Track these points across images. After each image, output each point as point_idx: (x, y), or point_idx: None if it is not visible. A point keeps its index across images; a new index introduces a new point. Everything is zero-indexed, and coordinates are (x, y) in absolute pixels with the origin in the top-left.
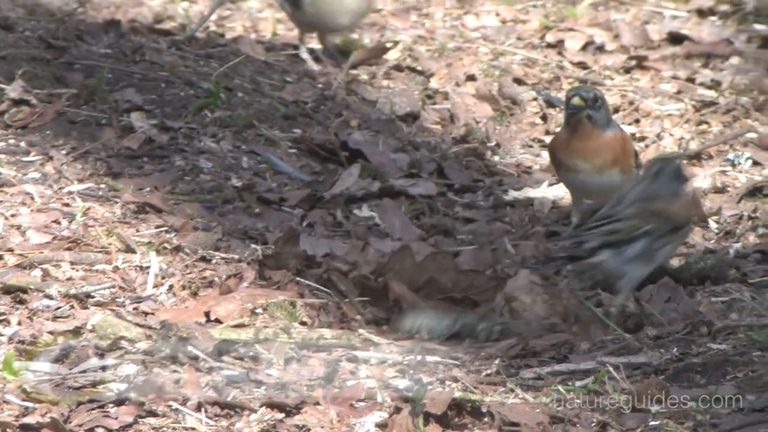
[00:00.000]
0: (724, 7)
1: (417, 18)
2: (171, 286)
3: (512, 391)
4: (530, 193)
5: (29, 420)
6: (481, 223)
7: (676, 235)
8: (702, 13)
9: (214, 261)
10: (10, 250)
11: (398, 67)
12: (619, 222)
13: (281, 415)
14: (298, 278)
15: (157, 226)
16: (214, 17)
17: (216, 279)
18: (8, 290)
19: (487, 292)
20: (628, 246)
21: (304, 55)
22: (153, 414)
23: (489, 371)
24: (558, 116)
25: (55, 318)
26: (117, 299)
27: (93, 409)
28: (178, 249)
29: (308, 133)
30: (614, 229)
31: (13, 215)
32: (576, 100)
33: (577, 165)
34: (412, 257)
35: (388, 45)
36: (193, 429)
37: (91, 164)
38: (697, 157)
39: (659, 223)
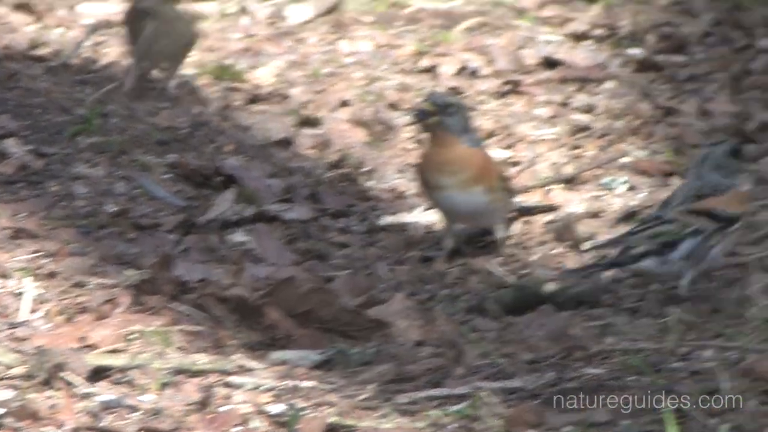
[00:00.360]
0: (599, 32)
1: (291, 43)
2: (46, 312)
3: (387, 415)
4: (404, 218)
5: None
6: (355, 248)
7: (728, 231)
8: (576, 38)
9: (89, 286)
10: None
11: (272, 93)
12: (665, 224)
13: None
14: (173, 304)
15: (33, 252)
16: (88, 43)
17: (91, 304)
18: None
19: (366, 330)
20: (674, 247)
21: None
22: None
23: (364, 396)
24: None
25: None
26: None
27: None
28: (53, 274)
29: (183, 158)
30: (660, 232)
31: None
32: (424, 105)
33: (440, 181)
34: (295, 288)
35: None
36: None
37: None
38: (571, 182)
39: (708, 221)
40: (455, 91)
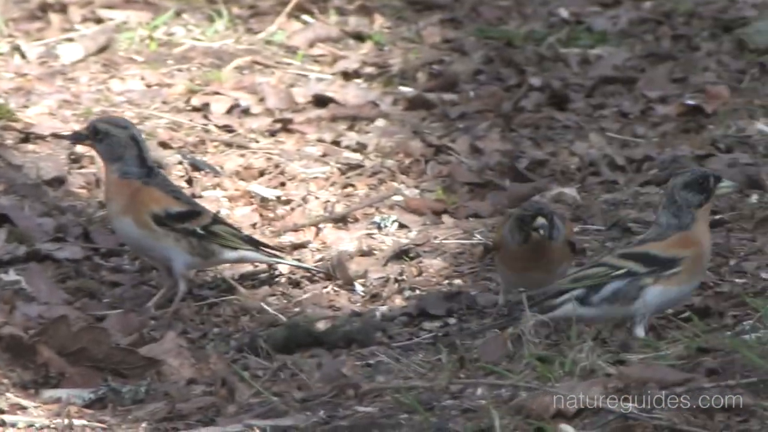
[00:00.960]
0: (370, 70)
1: (63, 82)
2: None
3: None
4: None
5: None
6: (127, 287)
7: (665, 273)
8: (347, 76)
9: None
10: None
11: (45, 131)
12: (595, 267)
13: None
14: None
15: None
16: None
17: None
18: None
19: (139, 369)
20: (597, 291)
21: None
22: None
23: None
24: (203, 179)
25: None
26: None
27: None
28: None
29: None
30: (584, 276)
31: None
32: (83, 128)
33: (106, 206)
34: (67, 326)
35: None
36: None
37: None
38: (343, 221)
39: (638, 264)
40: (226, 129)
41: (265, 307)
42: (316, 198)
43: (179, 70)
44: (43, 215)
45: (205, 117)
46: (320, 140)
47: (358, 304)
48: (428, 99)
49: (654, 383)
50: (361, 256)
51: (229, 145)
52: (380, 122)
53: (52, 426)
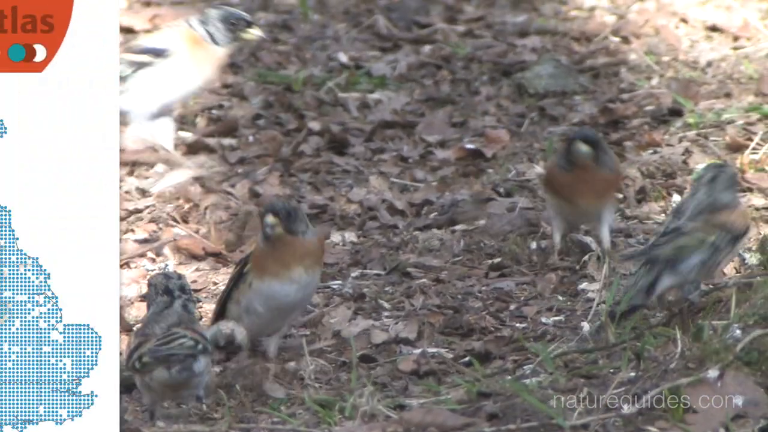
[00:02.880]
0: None
1: None
2: None
3: None
4: None
5: None
6: None
7: (734, 245)
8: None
9: None
10: None
11: None
12: (684, 236)
13: None
14: None
15: None
16: None
17: None
18: None
19: None
20: (687, 259)
21: None
22: None
23: None
24: None
25: None
26: None
27: None
28: None
29: None
30: (680, 244)
31: None
32: None
33: None
34: None
35: None
36: None
37: None
38: (122, 266)
39: (721, 234)
40: None
41: None
42: None
43: None
44: None
45: None
46: None
47: None
48: (208, 144)
49: (434, 428)
50: (141, 300)
51: None
52: (160, 167)
53: None
